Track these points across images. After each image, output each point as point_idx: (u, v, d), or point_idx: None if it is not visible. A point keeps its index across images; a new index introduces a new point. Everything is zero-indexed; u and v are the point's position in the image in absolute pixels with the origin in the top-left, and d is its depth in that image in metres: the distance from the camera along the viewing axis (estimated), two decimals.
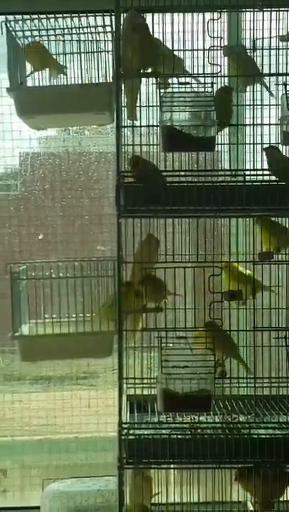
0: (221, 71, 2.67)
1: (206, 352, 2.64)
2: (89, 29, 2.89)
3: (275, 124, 2.72)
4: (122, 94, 2.70)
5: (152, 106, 2.77)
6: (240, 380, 2.92)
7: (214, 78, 2.66)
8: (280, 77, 2.72)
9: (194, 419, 2.74)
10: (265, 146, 2.71)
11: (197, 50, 2.72)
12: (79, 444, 3.62)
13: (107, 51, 2.91)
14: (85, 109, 2.83)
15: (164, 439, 2.61)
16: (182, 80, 2.72)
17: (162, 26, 2.70)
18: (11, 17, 2.88)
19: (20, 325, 2.93)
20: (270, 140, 2.74)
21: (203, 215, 2.71)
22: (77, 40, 2.93)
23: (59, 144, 3.65)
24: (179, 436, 2.63)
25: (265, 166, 2.69)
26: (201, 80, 2.70)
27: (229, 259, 2.80)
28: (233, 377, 2.88)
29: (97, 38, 2.92)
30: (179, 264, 2.72)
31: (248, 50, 2.76)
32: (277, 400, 2.88)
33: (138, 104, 2.78)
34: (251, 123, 2.75)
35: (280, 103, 2.68)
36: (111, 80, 2.83)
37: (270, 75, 2.75)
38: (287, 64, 2.78)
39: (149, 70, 2.74)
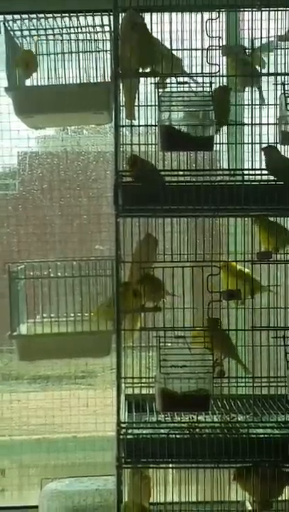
0: (219, 71, 2.66)
1: (205, 351, 2.64)
2: (87, 29, 2.89)
3: (274, 124, 2.72)
4: (121, 94, 2.70)
5: (151, 105, 2.77)
6: (239, 379, 2.92)
7: (212, 78, 2.66)
8: (278, 77, 2.72)
9: (193, 418, 2.74)
10: (263, 145, 2.71)
11: (196, 49, 2.72)
12: (77, 443, 3.62)
13: (106, 51, 2.91)
14: (84, 108, 2.83)
15: (162, 438, 2.61)
16: (180, 79, 2.72)
17: (161, 26, 2.70)
18: (9, 16, 2.88)
19: (19, 324, 2.93)
20: (268, 140, 2.74)
21: (201, 215, 2.71)
22: (75, 40, 2.93)
23: (57, 144, 3.65)
24: (178, 436, 2.63)
25: (264, 166, 2.69)
26: (200, 79, 2.70)
27: (228, 259, 2.80)
28: (231, 377, 2.88)
29: (96, 38, 2.92)
30: (177, 264, 2.72)
31: (247, 51, 2.76)
32: (276, 399, 2.88)
33: (136, 104, 2.78)
34: (250, 122, 2.75)
35: (278, 103, 2.68)
36: (109, 80, 2.83)
37: (268, 74, 2.75)
38: (285, 64, 2.78)
39: (148, 70, 2.73)
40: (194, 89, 2.70)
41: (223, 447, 2.60)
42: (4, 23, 2.85)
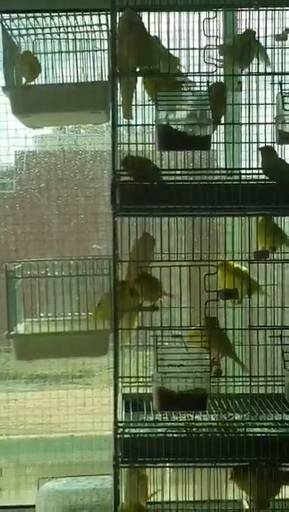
0: (216, 70, 2.67)
1: (202, 351, 2.64)
2: (85, 28, 2.89)
3: (271, 123, 2.72)
4: (118, 93, 2.70)
5: (148, 104, 2.77)
6: (236, 378, 2.92)
7: (210, 77, 2.66)
8: (275, 76, 2.72)
9: (190, 417, 2.74)
10: (261, 145, 2.71)
11: (193, 49, 2.72)
12: (74, 442, 3.62)
13: (103, 50, 2.91)
14: (81, 107, 2.83)
15: (159, 437, 2.61)
16: (178, 78, 2.72)
17: (158, 25, 2.70)
18: (6, 15, 2.88)
19: (16, 324, 2.93)
20: (265, 139, 2.73)
21: (198, 214, 2.71)
22: (73, 39, 2.93)
23: (55, 143, 3.64)
24: (175, 435, 2.63)
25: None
26: (197, 78, 2.70)
27: (225, 258, 2.80)
28: (228, 376, 2.88)
29: (93, 37, 2.92)
30: (174, 263, 2.72)
31: None
32: (273, 398, 2.88)
33: (134, 103, 2.78)
34: (247, 122, 2.75)
35: (275, 102, 2.69)
36: (107, 79, 2.83)
37: (265, 74, 2.75)
38: (282, 63, 2.78)
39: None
40: (192, 88, 2.70)
41: (220, 446, 2.61)
42: (1, 22, 2.85)
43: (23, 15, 2.87)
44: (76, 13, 2.86)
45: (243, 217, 2.79)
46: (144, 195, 2.58)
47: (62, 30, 2.91)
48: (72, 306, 2.95)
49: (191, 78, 2.73)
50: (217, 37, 2.67)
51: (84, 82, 2.95)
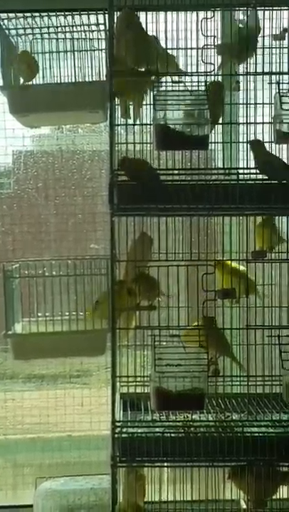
0: (214, 70, 2.67)
1: (199, 350, 2.64)
2: (82, 27, 2.89)
3: (269, 123, 2.72)
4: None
5: (146, 104, 2.77)
6: (234, 378, 2.92)
7: (208, 77, 2.67)
8: (273, 76, 2.72)
9: (187, 417, 2.74)
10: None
11: (191, 48, 2.72)
12: (72, 442, 3.62)
13: (101, 49, 2.91)
14: (79, 107, 2.83)
15: (157, 437, 2.62)
16: (176, 78, 2.72)
17: (156, 25, 2.70)
18: (4, 15, 2.88)
19: (13, 323, 2.93)
20: (263, 139, 2.74)
21: (196, 214, 2.71)
22: (70, 39, 2.93)
23: (52, 142, 3.64)
24: (172, 435, 2.63)
25: None
26: (195, 78, 2.70)
27: (222, 258, 2.80)
28: (226, 376, 2.89)
29: (91, 37, 2.92)
30: (172, 263, 2.72)
31: None
32: (270, 398, 2.89)
33: (131, 103, 2.78)
34: (245, 121, 2.75)
35: (273, 102, 2.69)
36: (104, 79, 2.83)
37: (263, 73, 2.75)
38: (280, 63, 2.79)
39: (143, 69, 2.73)
40: (189, 88, 2.70)
41: (218, 446, 2.61)
42: None
43: (21, 14, 2.87)
44: (74, 13, 2.86)
45: (241, 217, 2.79)
46: (142, 195, 2.58)
47: (60, 29, 2.91)
48: (69, 306, 2.95)
49: (189, 78, 2.73)
50: (215, 37, 2.67)
51: (82, 81, 2.95)
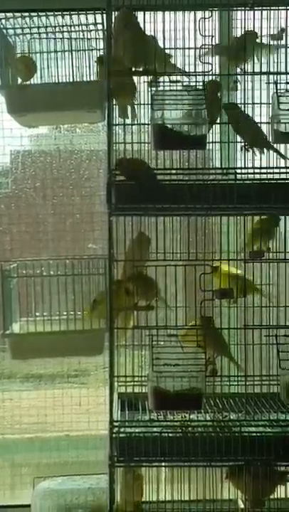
0: (212, 69, 2.67)
1: (197, 350, 2.64)
2: (80, 27, 2.89)
3: (267, 123, 2.72)
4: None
5: (143, 104, 2.77)
6: (231, 378, 2.92)
7: (205, 76, 2.67)
8: (270, 76, 2.72)
9: (185, 417, 2.74)
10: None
11: (188, 48, 2.72)
12: (70, 442, 3.62)
13: (99, 49, 2.91)
14: (77, 106, 2.83)
15: (155, 437, 2.62)
16: (173, 78, 2.72)
17: (154, 25, 2.70)
18: (1, 14, 2.88)
19: (11, 323, 2.93)
20: None
21: (194, 214, 2.71)
22: (68, 38, 2.93)
23: (50, 142, 3.64)
24: (170, 435, 2.63)
25: (257, 165, 2.69)
26: (192, 78, 2.70)
27: (220, 258, 2.80)
28: (224, 375, 2.89)
29: (89, 36, 2.92)
30: (170, 263, 2.72)
31: None
32: (268, 397, 2.89)
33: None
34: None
35: (270, 101, 2.69)
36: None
37: (261, 73, 2.75)
38: (277, 62, 2.79)
39: (141, 68, 2.73)
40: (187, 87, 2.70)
41: (216, 446, 2.61)
42: None
43: (19, 14, 2.87)
44: (72, 13, 2.86)
45: (239, 217, 2.79)
46: (140, 195, 2.58)
47: (57, 29, 2.91)
48: (67, 306, 2.95)
49: (186, 78, 2.73)
50: (213, 36, 2.67)
51: (79, 81, 2.95)
